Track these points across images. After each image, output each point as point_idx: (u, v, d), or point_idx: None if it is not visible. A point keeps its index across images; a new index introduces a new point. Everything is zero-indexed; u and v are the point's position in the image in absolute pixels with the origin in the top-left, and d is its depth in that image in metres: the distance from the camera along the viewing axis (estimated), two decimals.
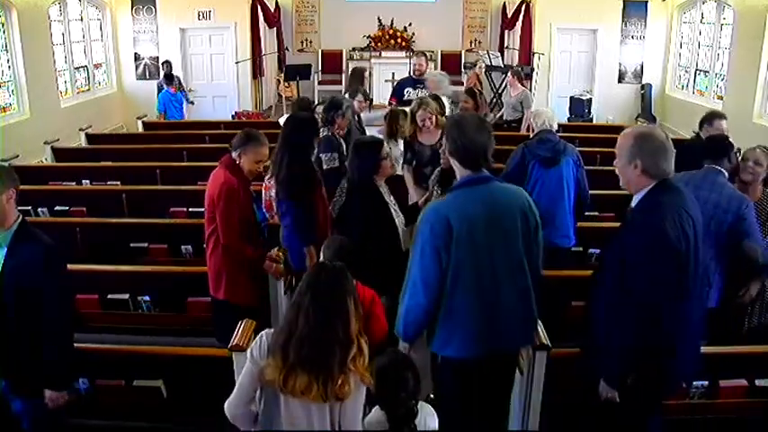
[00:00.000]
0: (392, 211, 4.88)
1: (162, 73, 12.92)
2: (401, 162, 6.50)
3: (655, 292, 3.16)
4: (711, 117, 6.27)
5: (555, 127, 5.61)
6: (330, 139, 5.90)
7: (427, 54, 10.59)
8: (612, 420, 3.52)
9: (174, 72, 12.79)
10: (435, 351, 3.53)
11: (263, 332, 2.92)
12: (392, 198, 5.00)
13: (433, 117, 6.14)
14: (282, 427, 2.82)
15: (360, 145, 4.96)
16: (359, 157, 4.85)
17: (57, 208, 7.05)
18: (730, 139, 5.03)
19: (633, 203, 3.38)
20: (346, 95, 7.57)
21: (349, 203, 4.88)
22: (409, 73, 9.69)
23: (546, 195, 5.28)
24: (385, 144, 5.09)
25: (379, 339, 3.95)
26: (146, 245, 6.13)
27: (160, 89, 12.45)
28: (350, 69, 16.36)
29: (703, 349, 4.37)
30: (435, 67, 15.41)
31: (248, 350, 2.90)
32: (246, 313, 4.19)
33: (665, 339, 3.26)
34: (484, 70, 12.11)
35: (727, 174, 4.74)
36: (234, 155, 4.53)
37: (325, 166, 5.73)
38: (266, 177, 5.39)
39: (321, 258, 3.95)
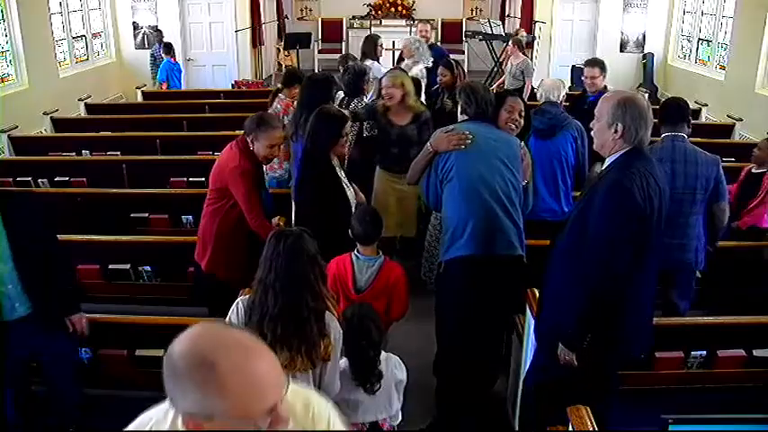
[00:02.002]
0: (344, 185, 4.62)
1: (154, 42, 12.95)
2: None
3: (610, 253, 3.11)
4: (584, 64, 6.26)
5: (559, 96, 5.55)
6: (370, 108, 5.84)
7: (431, 22, 10.49)
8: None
9: (166, 40, 12.76)
10: (444, 260, 4.09)
11: (238, 299, 2.97)
12: (342, 172, 4.70)
13: (397, 92, 5.48)
14: None
15: (324, 115, 4.62)
16: (321, 126, 4.55)
17: (57, 179, 7.05)
18: (686, 101, 4.81)
19: (605, 166, 3.34)
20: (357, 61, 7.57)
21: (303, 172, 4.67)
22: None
23: (539, 166, 5.21)
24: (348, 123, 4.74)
25: (397, 317, 3.99)
26: (146, 215, 6.14)
27: (156, 59, 12.49)
28: (349, 38, 16.44)
29: (705, 319, 4.43)
30: (436, 36, 15.35)
31: (227, 318, 2.92)
32: (223, 287, 4.26)
33: (619, 306, 3.22)
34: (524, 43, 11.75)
35: (687, 138, 4.59)
36: (247, 138, 4.40)
37: (366, 134, 5.74)
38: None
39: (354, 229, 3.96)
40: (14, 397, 3.74)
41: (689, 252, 4.60)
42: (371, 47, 8.19)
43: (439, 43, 13.67)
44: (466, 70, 15.20)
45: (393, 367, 3.33)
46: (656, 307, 4.62)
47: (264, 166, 4.91)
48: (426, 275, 5.34)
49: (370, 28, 15.34)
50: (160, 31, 13.21)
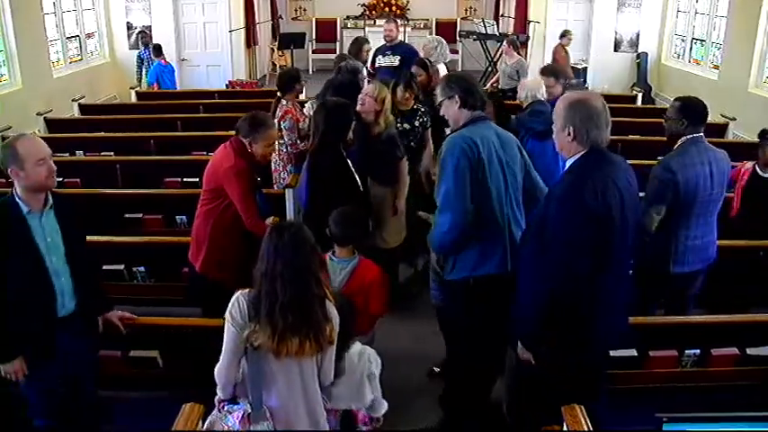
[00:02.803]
0: (354, 172, 4.71)
1: (140, 43, 13.14)
2: None
3: (569, 255, 3.12)
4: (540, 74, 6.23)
5: (544, 94, 5.56)
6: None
7: (398, 21, 10.34)
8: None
9: (156, 41, 12.82)
10: (466, 275, 3.85)
11: (237, 294, 2.97)
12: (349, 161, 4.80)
13: (372, 104, 5.31)
14: (275, 380, 2.92)
15: (336, 105, 4.79)
16: (335, 116, 4.68)
17: None
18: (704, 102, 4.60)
19: (565, 168, 3.35)
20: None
21: (313, 165, 4.72)
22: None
23: (541, 168, 5.21)
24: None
25: (376, 314, 3.99)
26: (140, 215, 6.11)
27: (142, 61, 12.54)
28: (343, 38, 16.42)
29: (699, 317, 4.42)
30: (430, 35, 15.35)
31: (227, 314, 2.94)
32: (218, 287, 4.22)
33: (582, 308, 3.22)
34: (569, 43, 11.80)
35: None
36: (245, 141, 4.36)
37: None
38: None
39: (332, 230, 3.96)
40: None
41: (714, 247, 4.56)
42: (356, 50, 8.14)
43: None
44: (460, 70, 15.28)
45: (367, 360, 3.34)
46: (659, 306, 4.65)
47: (275, 172, 4.94)
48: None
49: (364, 28, 15.35)
50: (147, 33, 13.25)
